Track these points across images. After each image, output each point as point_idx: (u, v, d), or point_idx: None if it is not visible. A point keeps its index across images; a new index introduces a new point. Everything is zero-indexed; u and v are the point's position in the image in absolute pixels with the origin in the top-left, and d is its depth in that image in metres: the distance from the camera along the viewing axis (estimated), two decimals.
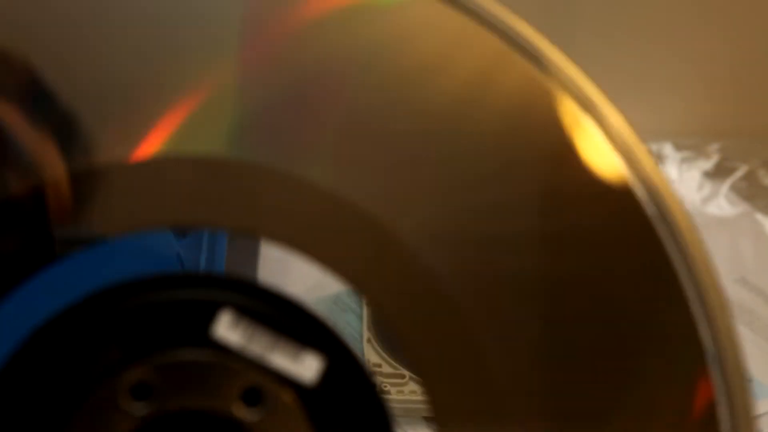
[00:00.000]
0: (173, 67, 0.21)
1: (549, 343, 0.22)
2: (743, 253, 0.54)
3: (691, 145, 0.60)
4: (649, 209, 0.22)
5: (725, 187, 0.58)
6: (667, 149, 0.60)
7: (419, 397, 0.44)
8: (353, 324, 0.49)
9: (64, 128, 0.21)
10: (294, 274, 0.48)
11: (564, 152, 0.22)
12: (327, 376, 0.21)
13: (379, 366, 0.45)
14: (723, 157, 0.59)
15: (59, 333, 0.21)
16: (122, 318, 0.21)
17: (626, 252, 0.22)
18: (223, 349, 0.21)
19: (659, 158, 0.59)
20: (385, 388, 0.44)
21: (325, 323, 0.21)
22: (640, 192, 0.22)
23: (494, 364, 0.21)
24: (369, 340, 0.47)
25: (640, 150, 0.23)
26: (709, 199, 0.57)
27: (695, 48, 0.59)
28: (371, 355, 0.46)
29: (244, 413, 0.21)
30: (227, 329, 0.21)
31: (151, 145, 0.21)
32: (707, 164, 0.59)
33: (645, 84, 0.60)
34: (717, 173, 0.59)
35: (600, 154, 0.23)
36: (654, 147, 0.60)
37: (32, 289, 0.21)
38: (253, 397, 0.21)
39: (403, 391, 0.44)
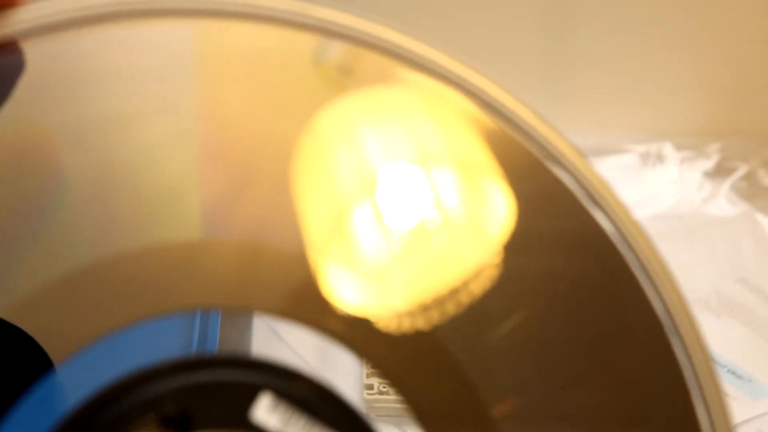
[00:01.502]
0: None
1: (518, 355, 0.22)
2: (743, 253, 0.54)
3: (691, 145, 0.60)
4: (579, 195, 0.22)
5: (725, 187, 0.58)
6: (667, 149, 0.60)
7: None
8: None
9: None
10: None
11: None
12: None
13: None
14: (723, 157, 0.59)
15: (99, 411, 0.21)
16: (163, 396, 0.21)
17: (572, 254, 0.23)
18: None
19: (659, 158, 0.59)
20: (384, 389, 0.44)
21: (358, 413, 0.22)
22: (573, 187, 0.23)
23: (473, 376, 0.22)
24: None
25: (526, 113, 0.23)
26: (709, 199, 0.58)
27: (695, 48, 0.59)
28: None
29: None
30: (266, 412, 0.21)
31: None
32: (707, 164, 0.59)
33: (645, 84, 0.60)
34: (717, 173, 0.59)
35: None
36: (654, 147, 0.60)
37: (72, 366, 0.21)
38: None
39: None
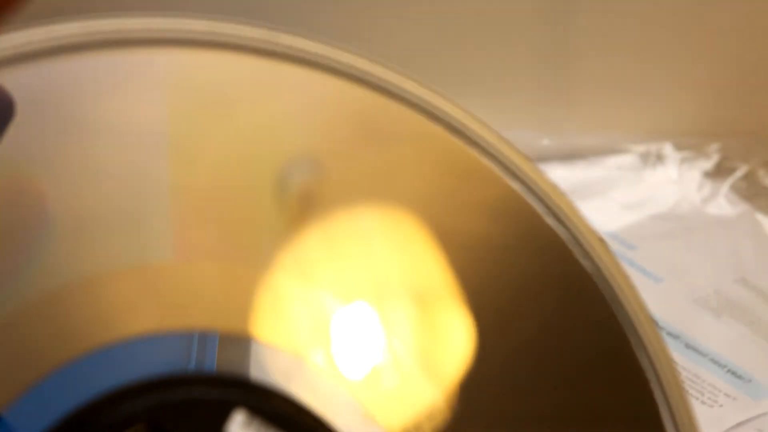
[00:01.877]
0: None
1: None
2: (743, 253, 0.54)
3: (691, 145, 0.60)
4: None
5: (725, 187, 0.58)
6: (667, 149, 0.60)
7: None
8: None
9: None
10: None
11: None
12: None
13: None
14: (723, 157, 0.59)
15: (75, 428, 0.21)
16: (136, 415, 0.22)
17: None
18: None
19: (659, 158, 0.59)
20: None
21: (332, 427, 0.22)
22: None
23: None
24: None
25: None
26: (709, 199, 0.58)
27: (695, 49, 0.59)
28: None
29: None
30: (240, 429, 0.22)
31: None
32: (707, 164, 0.59)
33: (645, 84, 0.60)
34: (717, 173, 0.59)
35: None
36: (654, 147, 0.60)
37: (55, 380, 0.22)
38: None
39: None
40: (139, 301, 0.23)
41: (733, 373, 0.46)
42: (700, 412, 0.43)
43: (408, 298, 0.22)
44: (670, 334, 0.48)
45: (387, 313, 0.22)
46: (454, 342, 0.23)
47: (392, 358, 0.22)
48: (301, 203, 0.22)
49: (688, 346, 0.47)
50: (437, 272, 0.22)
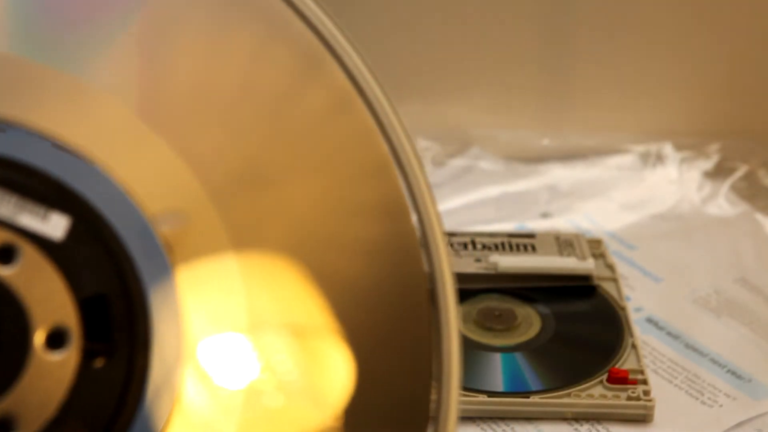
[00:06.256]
0: None
1: None
2: (743, 253, 0.54)
3: (691, 145, 0.60)
4: None
5: (725, 187, 0.58)
6: (667, 149, 0.60)
7: None
8: None
9: None
10: None
11: None
12: (73, 233, 0.24)
13: None
14: (723, 157, 0.59)
15: None
16: None
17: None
18: None
19: (659, 158, 0.59)
20: None
21: (69, 187, 0.24)
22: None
23: None
24: None
25: None
26: (709, 199, 0.58)
27: (695, 48, 0.59)
28: None
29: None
30: None
31: None
32: (707, 164, 0.59)
33: (645, 84, 0.60)
34: (717, 173, 0.59)
35: None
36: (654, 147, 0.60)
37: None
38: (6, 254, 0.24)
39: None
40: None
41: (733, 373, 0.46)
42: (700, 412, 0.43)
43: (282, 328, 0.23)
44: (670, 334, 0.48)
45: (261, 340, 0.23)
46: (333, 368, 0.24)
47: (270, 378, 0.23)
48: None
49: (688, 346, 0.47)
50: (313, 307, 0.23)
